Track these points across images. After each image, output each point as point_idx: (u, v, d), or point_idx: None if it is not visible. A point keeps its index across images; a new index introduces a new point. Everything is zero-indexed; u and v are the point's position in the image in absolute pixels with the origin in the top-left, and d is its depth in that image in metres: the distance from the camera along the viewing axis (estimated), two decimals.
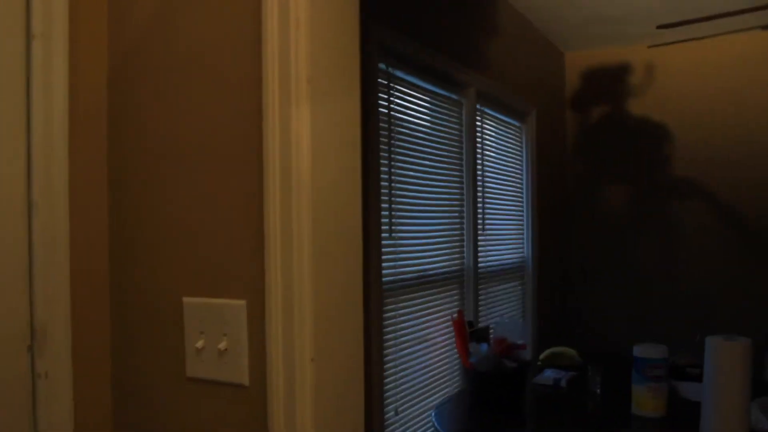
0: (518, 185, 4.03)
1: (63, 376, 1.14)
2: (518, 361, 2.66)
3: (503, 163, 3.79)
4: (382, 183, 2.51)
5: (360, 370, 1.17)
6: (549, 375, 2.96)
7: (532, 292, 4.10)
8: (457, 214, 3.18)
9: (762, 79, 4.20)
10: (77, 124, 1.19)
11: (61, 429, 1.14)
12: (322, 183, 1.06)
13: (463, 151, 3.23)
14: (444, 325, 2.99)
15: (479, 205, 3.36)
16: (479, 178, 3.37)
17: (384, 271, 2.50)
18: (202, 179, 1.15)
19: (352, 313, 1.15)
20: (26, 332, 1.09)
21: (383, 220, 2.51)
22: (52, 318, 1.12)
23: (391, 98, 2.59)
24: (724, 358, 2.11)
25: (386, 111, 2.55)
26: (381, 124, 2.50)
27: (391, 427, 2.56)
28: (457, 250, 3.17)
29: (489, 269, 3.50)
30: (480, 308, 3.34)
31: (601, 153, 4.73)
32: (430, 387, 2.90)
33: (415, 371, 2.78)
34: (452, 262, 3.12)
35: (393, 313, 2.59)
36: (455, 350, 2.84)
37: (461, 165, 3.21)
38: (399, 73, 2.66)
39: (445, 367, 3.03)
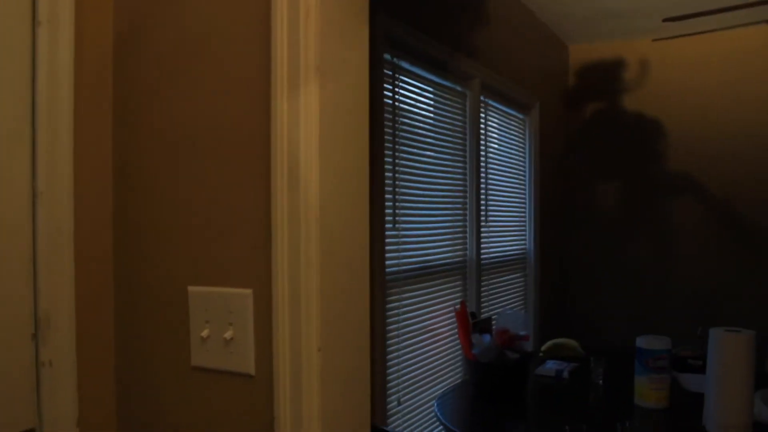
0: (521, 177, 4.02)
1: (67, 365, 1.14)
2: (520, 353, 2.66)
3: (506, 154, 3.78)
4: (386, 174, 2.50)
5: (366, 360, 1.17)
6: (551, 366, 2.96)
7: (534, 283, 4.10)
8: (460, 206, 3.17)
9: (764, 73, 4.19)
10: (82, 112, 1.18)
11: (65, 417, 1.14)
12: (329, 172, 1.06)
13: (467, 142, 3.22)
14: (447, 316, 2.99)
15: (482, 196, 3.35)
16: (482, 169, 3.36)
17: (387, 262, 2.50)
18: (208, 168, 1.14)
19: (359, 303, 1.15)
20: (30, 321, 1.09)
21: (387, 211, 2.50)
22: (56, 307, 1.12)
23: (396, 89, 2.58)
24: (729, 349, 2.11)
25: (391, 102, 2.54)
26: (386, 115, 2.49)
27: (393, 418, 2.57)
28: (460, 241, 3.17)
29: (491, 261, 3.50)
30: (482, 299, 3.34)
31: (597, 148, 4.72)
32: (432, 378, 2.90)
33: (418, 362, 2.78)
34: (455, 254, 3.11)
35: (396, 304, 2.59)
36: (458, 341, 2.83)
37: (465, 156, 3.21)
38: (404, 64, 2.65)
39: (447, 358, 3.04)
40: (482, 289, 3.34)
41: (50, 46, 1.09)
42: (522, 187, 4.04)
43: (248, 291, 1.09)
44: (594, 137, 4.73)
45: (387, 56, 2.50)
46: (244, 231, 1.10)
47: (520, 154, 4.01)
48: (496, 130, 3.64)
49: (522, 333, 2.71)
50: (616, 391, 2.65)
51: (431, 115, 2.93)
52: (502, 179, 3.69)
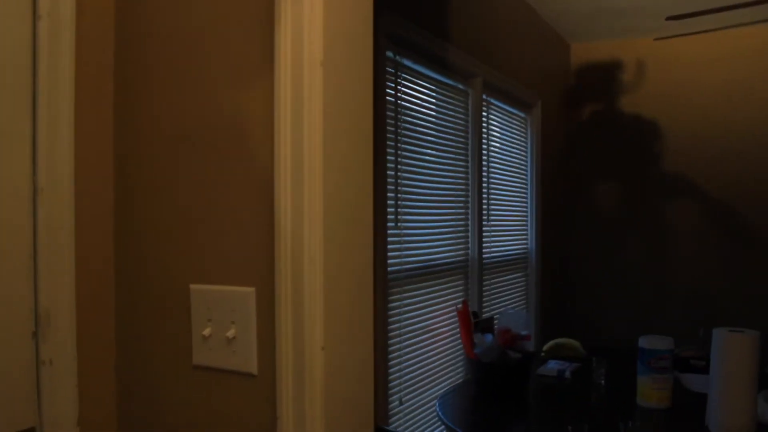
0: (522, 176, 4.01)
1: (67, 363, 1.13)
2: (522, 352, 2.65)
3: (508, 154, 3.77)
4: (389, 172, 2.49)
5: (370, 359, 1.16)
6: (553, 366, 2.95)
7: (535, 283, 4.09)
8: (462, 205, 3.16)
9: (765, 73, 4.18)
10: (83, 107, 1.17)
11: (66, 416, 1.13)
12: (333, 170, 1.04)
13: (469, 141, 3.21)
14: (448, 315, 2.98)
15: (484, 195, 3.34)
16: (484, 168, 3.35)
17: (389, 261, 2.49)
18: (210, 164, 1.13)
19: (363, 302, 1.14)
20: (30, 319, 1.07)
21: (389, 210, 2.49)
22: (56, 305, 1.11)
23: (399, 87, 2.57)
24: (733, 350, 2.10)
25: (393, 100, 2.53)
26: (388, 113, 2.48)
27: (395, 417, 2.56)
28: (462, 240, 3.16)
29: (493, 260, 3.49)
30: (484, 299, 3.33)
31: (597, 148, 4.71)
32: (434, 377, 2.89)
33: (420, 361, 2.77)
34: (457, 253, 3.10)
35: (398, 303, 2.58)
36: (459, 341, 2.83)
37: (467, 155, 3.20)
38: (406, 62, 2.64)
39: (449, 358, 3.03)
40: (484, 288, 3.33)
41: (50, 40, 1.08)
42: (523, 186, 4.03)
43: (251, 289, 1.08)
44: (594, 137, 4.73)
45: (390, 54, 2.48)
46: (247, 228, 1.09)
47: (522, 152, 4.00)
48: (498, 129, 3.63)
49: (524, 333, 2.70)
50: (618, 391, 2.65)
51: (433, 113, 2.92)
52: (503, 178, 3.68)
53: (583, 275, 4.76)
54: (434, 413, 2.79)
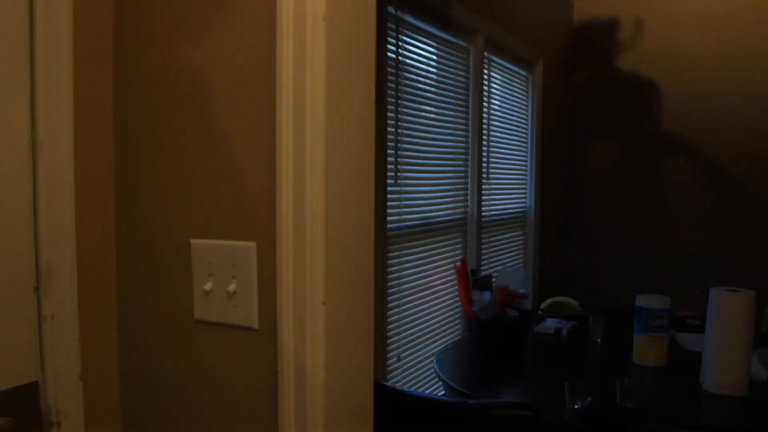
0: (523, 135, 3.99)
1: (69, 318, 1.13)
2: (520, 310, 2.67)
3: (509, 112, 3.74)
4: (389, 129, 2.47)
5: (370, 314, 1.17)
6: (550, 324, 2.97)
7: (533, 241, 4.09)
8: (461, 162, 3.15)
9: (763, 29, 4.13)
10: (82, 60, 1.15)
11: (68, 371, 1.13)
12: (335, 124, 1.03)
13: (470, 98, 3.18)
14: (447, 272, 2.99)
15: (484, 153, 3.33)
16: (485, 126, 3.33)
17: (389, 218, 2.49)
18: (211, 116, 1.12)
19: (363, 257, 1.14)
20: (32, 274, 1.08)
21: (389, 167, 2.48)
22: (57, 259, 1.11)
23: (400, 43, 2.54)
24: (728, 309, 2.11)
25: (394, 56, 2.50)
26: (389, 70, 2.45)
27: (393, 374, 2.58)
28: (461, 198, 3.16)
29: (492, 218, 3.49)
30: (482, 257, 3.34)
31: (597, 107, 4.68)
32: (432, 334, 2.92)
33: (418, 318, 2.79)
34: (456, 210, 3.10)
35: (396, 261, 2.58)
36: (458, 298, 2.84)
37: (467, 113, 3.17)
38: (408, 18, 2.60)
39: (447, 315, 3.05)
40: (482, 246, 3.34)
41: None
42: (523, 144, 4.01)
43: (252, 244, 1.08)
44: (594, 96, 4.69)
45: (391, 9, 2.45)
46: (248, 182, 1.08)
47: (522, 111, 3.97)
48: (498, 87, 3.60)
49: (522, 291, 2.72)
50: (615, 349, 2.68)
51: (434, 70, 2.89)
52: (503, 136, 3.66)
53: (582, 234, 4.77)
54: (432, 370, 2.82)
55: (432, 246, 2.89)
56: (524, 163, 4.03)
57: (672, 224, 4.47)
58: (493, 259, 3.52)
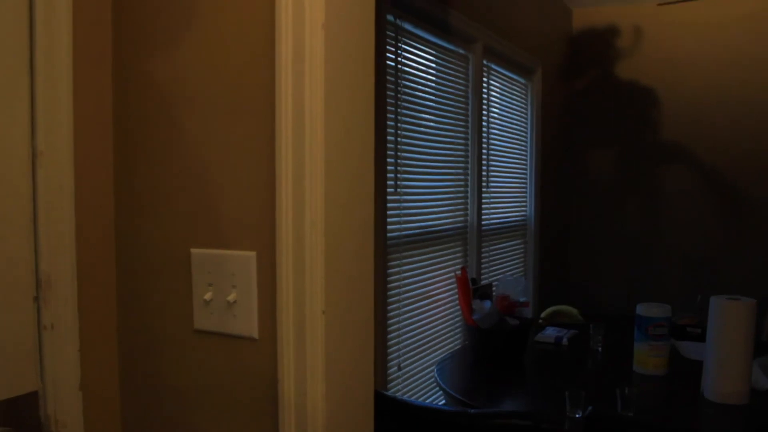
0: (522, 143, 3.99)
1: (69, 328, 1.13)
2: (520, 319, 2.67)
3: (508, 120, 3.75)
4: (389, 137, 2.48)
5: (370, 323, 1.16)
6: (551, 333, 2.97)
7: (533, 250, 4.09)
8: (461, 170, 3.15)
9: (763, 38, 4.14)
10: (82, 69, 1.15)
11: (68, 380, 1.13)
12: (334, 132, 1.03)
13: (469, 106, 3.19)
14: (447, 281, 2.99)
15: (483, 161, 3.33)
16: (484, 134, 3.33)
17: (389, 227, 2.49)
18: (210, 125, 1.12)
19: (363, 266, 1.13)
20: (32, 283, 1.07)
21: (389, 175, 2.48)
22: (57, 268, 1.10)
23: (399, 51, 2.54)
24: (729, 317, 2.11)
25: (393, 64, 2.50)
26: (388, 78, 2.46)
27: (393, 383, 2.58)
28: (461, 206, 3.16)
29: (492, 227, 3.49)
30: (483, 265, 3.34)
31: (596, 115, 4.69)
32: (432, 343, 2.91)
33: (418, 327, 2.79)
34: (456, 219, 3.10)
35: (397, 269, 2.58)
36: (458, 307, 2.84)
37: (467, 121, 3.18)
38: (407, 26, 2.60)
39: (447, 324, 3.04)
40: (483, 255, 3.34)
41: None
42: (523, 152, 4.01)
43: (252, 253, 1.08)
44: (593, 104, 4.70)
45: (390, 17, 2.45)
46: (248, 191, 1.08)
47: (522, 119, 3.98)
48: (498, 95, 3.61)
49: (522, 299, 2.72)
50: (615, 358, 2.67)
51: (434, 78, 2.90)
52: (503, 144, 3.67)
53: (582, 242, 4.77)
54: (432, 379, 2.82)
55: (432, 255, 2.89)
56: (524, 171, 4.03)
57: (672, 232, 4.47)
58: (494, 268, 3.52)
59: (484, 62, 3.29)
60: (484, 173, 3.33)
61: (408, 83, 2.64)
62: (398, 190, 2.56)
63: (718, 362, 2.14)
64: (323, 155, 1.01)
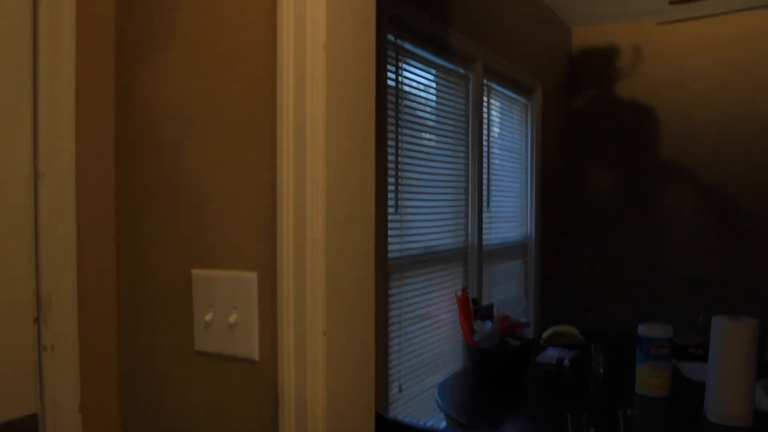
0: (522, 162, 3.99)
1: (69, 349, 1.12)
2: (521, 340, 2.65)
3: (508, 139, 3.76)
4: (389, 157, 2.48)
5: (371, 344, 1.16)
6: (552, 354, 2.95)
7: (534, 270, 4.08)
8: (462, 191, 3.15)
9: (763, 59, 4.16)
10: (84, 89, 1.16)
11: (68, 403, 1.12)
12: (335, 152, 1.03)
13: (469, 126, 3.19)
14: (448, 302, 2.98)
15: (484, 181, 3.33)
16: (484, 154, 3.34)
17: (390, 247, 2.48)
18: (212, 149, 1.12)
19: (364, 287, 1.13)
20: (32, 304, 1.07)
21: (390, 195, 2.48)
22: (58, 290, 1.10)
23: (399, 71, 2.56)
24: (731, 338, 2.10)
25: (394, 84, 2.51)
26: (389, 97, 2.47)
27: (394, 404, 2.56)
28: (462, 226, 3.15)
29: (493, 247, 3.49)
30: (484, 286, 3.33)
31: (596, 134, 4.69)
32: (433, 364, 2.89)
33: (419, 348, 2.77)
34: (457, 239, 3.10)
35: (397, 290, 2.57)
36: (459, 328, 2.83)
37: (467, 140, 3.18)
38: (407, 45, 2.62)
39: (448, 345, 3.03)
40: (483, 275, 3.33)
41: (50, 19, 1.06)
42: (523, 171, 4.02)
43: (253, 274, 1.08)
44: (593, 123, 4.71)
45: (391, 37, 2.47)
46: (249, 212, 1.08)
47: (522, 138, 3.98)
48: (498, 114, 3.62)
49: (523, 320, 2.71)
50: (617, 379, 2.65)
51: (434, 98, 2.91)
52: (503, 164, 3.67)
53: (582, 262, 4.76)
54: (433, 401, 2.80)
55: (433, 275, 2.88)
56: (524, 190, 4.03)
57: (673, 251, 4.46)
58: (495, 288, 3.51)
59: (485, 81, 3.31)
60: (484, 193, 3.33)
61: (409, 103, 2.64)
62: (399, 210, 2.56)
63: (720, 383, 2.12)
64: (324, 176, 1.01)
